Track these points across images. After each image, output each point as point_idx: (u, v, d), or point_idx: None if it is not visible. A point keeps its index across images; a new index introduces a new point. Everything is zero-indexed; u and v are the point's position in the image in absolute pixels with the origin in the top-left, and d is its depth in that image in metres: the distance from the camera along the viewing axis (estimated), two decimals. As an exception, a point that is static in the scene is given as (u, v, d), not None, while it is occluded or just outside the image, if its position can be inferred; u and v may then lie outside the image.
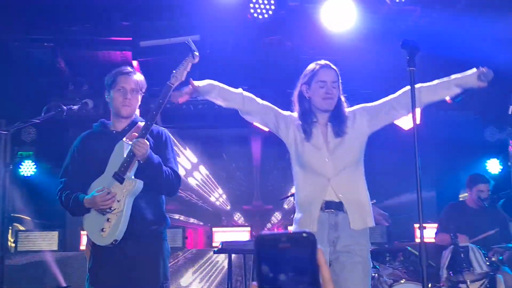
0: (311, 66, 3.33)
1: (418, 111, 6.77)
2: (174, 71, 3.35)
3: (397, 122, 7.06)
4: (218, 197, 8.13)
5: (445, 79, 3.23)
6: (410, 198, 6.46)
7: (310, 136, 3.23)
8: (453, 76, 3.21)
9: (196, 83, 3.24)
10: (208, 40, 5.63)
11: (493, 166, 7.33)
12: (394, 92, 3.27)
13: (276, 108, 3.36)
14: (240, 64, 6.18)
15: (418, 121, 7.23)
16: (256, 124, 3.47)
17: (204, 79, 3.31)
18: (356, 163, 3.24)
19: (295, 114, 3.34)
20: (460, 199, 6.93)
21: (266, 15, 5.26)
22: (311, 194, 3.18)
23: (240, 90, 3.35)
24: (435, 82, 3.24)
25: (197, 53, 3.32)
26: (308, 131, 3.24)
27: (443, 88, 3.22)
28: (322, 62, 3.33)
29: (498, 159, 7.35)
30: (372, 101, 3.33)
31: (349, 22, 5.27)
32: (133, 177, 3.27)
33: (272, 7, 5.24)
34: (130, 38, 5.74)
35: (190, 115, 7.22)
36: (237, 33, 5.79)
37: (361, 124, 3.27)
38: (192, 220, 8.01)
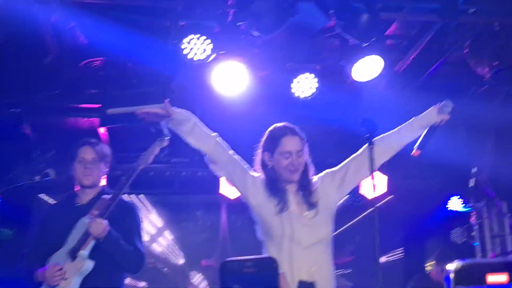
0: (272, 132, 3.12)
1: (378, 175, 6.78)
2: (142, 154, 3.39)
3: (361, 191, 7.19)
4: (182, 263, 8.02)
5: (405, 123, 3.21)
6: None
7: (284, 207, 2.99)
8: (413, 118, 3.21)
9: (172, 108, 2.92)
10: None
11: (457, 236, 7.43)
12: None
13: (245, 166, 3.08)
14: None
15: (385, 189, 7.32)
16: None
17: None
18: (328, 239, 3.05)
19: (259, 178, 3.10)
20: (426, 269, 6.96)
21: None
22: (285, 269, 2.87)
23: (215, 133, 3.06)
24: (396, 128, 3.22)
25: (168, 137, 3.34)
26: (281, 201, 3.00)
27: (406, 131, 3.17)
28: (284, 127, 3.11)
29: (463, 229, 7.45)
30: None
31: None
32: (86, 255, 3.22)
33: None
34: (99, 105, 5.77)
35: (157, 181, 7.19)
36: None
37: (330, 192, 3.09)
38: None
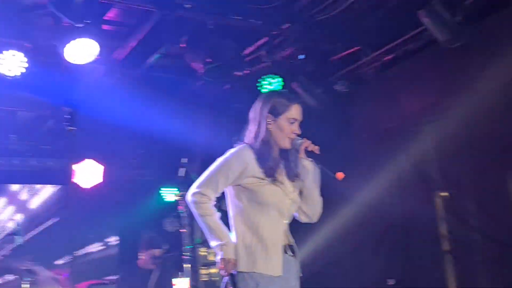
0: (280, 98, 3.05)
1: (94, 164, 6.46)
2: None
3: (75, 180, 6.94)
4: None
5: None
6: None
7: (274, 176, 2.94)
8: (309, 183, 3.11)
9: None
10: None
11: (169, 226, 7.64)
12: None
13: (223, 184, 2.92)
14: None
15: (101, 179, 7.15)
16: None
17: None
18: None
19: (247, 150, 2.94)
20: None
21: None
22: (273, 235, 2.90)
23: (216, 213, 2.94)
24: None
25: None
26: (271, 169, 2.94)
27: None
28: (291, 94, 3.17)
29: (175, 218, 7.69)
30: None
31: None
32: None
33: None
34: None
35: None
36: None
37: None
38: None
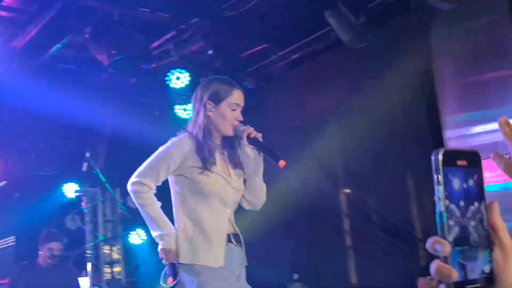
0: (220, 83, 2.93)
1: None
2: None
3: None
4: None
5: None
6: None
7: (210, 165, 2.83)
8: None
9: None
10: None
11: (71, 223, 7.37)
12: None
13: (164, 174, 2.86)
14: None
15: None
16: None
17: None
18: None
19: (187, 139, 2.85)
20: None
21: None
22: (216, 225, 2.83)
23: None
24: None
25: None
26: (211, 157, 2.83)
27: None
28: (231, 80, 2.98)
29: (76, 214, 7.43)
30: None
31: None
32: None
33: None
34: None
35: None
36: None
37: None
38: None
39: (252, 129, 2.83)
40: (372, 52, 5.29)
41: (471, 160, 0.83)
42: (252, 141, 2.83)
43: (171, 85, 5.96)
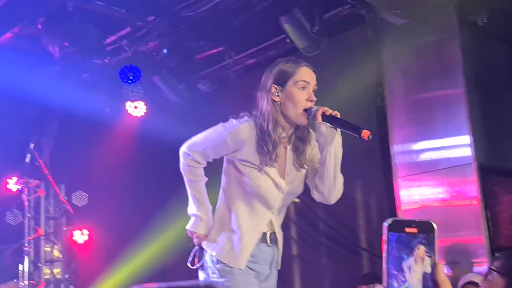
0: (285, 63, 2.52)
1: None
2: None
3: None
4: None
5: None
6: None
7: (269, 162, 2.47)
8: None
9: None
10: None
11: (11, 218, 7.16)
12: None
13: (214, 156, 2.59)
14: None
15: None
16: None
17: None
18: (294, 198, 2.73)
19: (249, 128, 2.48)
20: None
21: None
22: (252, 225, 2.56)
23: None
24: None
25: None
26: (269, 156, 2.46)
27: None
28: (295, 61, 2.55)
29: (20, 210, 7.22)
30: None
31: None
32: None
33: None
34: None
35: None
36: None
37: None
38: None
39: (327, 108, 2.44)
40: (326, 61, 5.35)
41: (423, 228, 1.01)
42: (328, 118, 2.41)
43: (123, 80, 5.86)
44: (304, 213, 5.97)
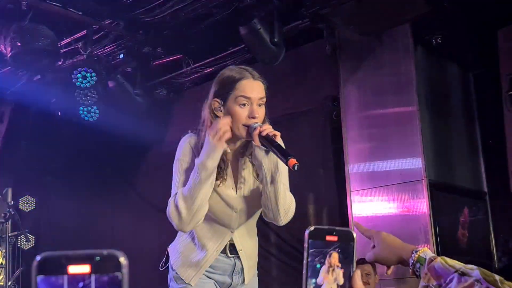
0: (228, 72, 2.30)
1: None
2: None
3: None
4: None
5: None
6: None
7: (218, 181, 2.32)
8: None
9: None
10: None
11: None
12: None
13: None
14: None
15: None
16: None
17: None
18: (258, 211, 2.51)
19: (187, 143, 2.35)
20: None
21: None
22: (212, 244, 2.46)
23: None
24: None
25: None
26: (217, 172, 2.29)
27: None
28: (241, 68, 2.32)
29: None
30: None
31: None
32: None
33: None
34: None
35: None
36: None
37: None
38: None
39: (267, 126, 2.24)
40: (284, 73, 5.38)
41: (343, 237, 1.02)
42: (264, 139, 2.21)
43: (77, 83, 5.71)
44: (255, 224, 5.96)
